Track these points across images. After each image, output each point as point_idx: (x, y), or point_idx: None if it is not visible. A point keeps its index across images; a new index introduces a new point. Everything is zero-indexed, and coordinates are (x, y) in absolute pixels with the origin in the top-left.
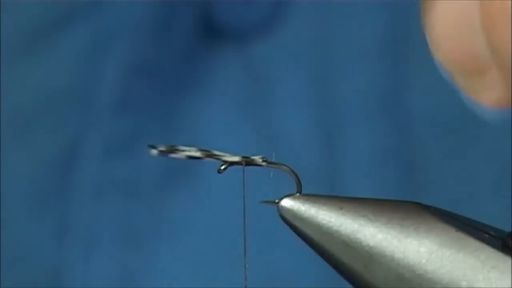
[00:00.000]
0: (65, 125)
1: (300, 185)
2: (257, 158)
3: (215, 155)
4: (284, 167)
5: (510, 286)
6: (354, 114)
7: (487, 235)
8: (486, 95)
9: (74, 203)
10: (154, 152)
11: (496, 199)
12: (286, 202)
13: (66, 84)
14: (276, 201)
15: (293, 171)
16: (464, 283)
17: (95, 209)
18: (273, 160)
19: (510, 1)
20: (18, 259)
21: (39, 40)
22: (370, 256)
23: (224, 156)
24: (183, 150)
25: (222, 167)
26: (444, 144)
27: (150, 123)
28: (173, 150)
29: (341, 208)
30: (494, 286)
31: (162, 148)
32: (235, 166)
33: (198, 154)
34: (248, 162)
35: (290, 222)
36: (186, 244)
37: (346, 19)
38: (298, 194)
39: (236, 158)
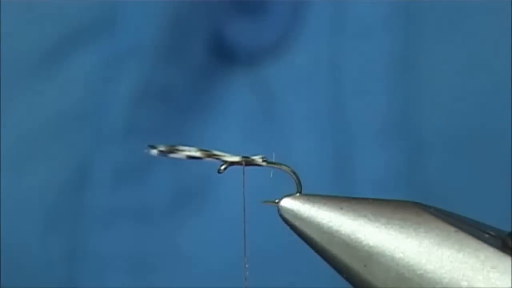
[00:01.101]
0: (75, 149)
1: (300, 185)
2: (257, 158)
3: (215, 155)
4: (284, 167)
5: (510, 286)
6: (366, 135)
7: (487, 235)
8: None
9: (85, 228)
10: (154, 152)
11: (496, 199)
12: (286, 202)
13: (76, 108)
14: (276, 201)
15: (293, 171)
16: (464, 283)
17: (105, 234)
18: (273, 160)
19: None
20: (28, 282)
21: (49, 62)
22: (370, 256)
23: (224, 156)
24: (183, 150)
25: (222, 167)
26: (455, 164)
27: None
28: (173, 150)
29: (341, 208)
30: (494, 286)
31: (162, 148)
32: (235, 166)
33: (198, 154)
34: (248, 162)
35: (290, 222)
36: (196, 267)
37: (357, 40)
38: (298, 194)
39: (236, 158)
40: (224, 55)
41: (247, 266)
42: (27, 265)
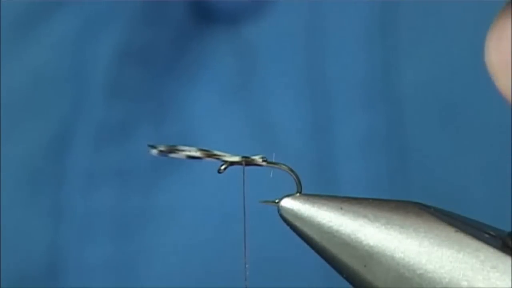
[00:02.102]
0: (56, 112)
1: (300, 185)
2: (257, 158)
3: (215, 155)
4: (284, 166)
5: (510, 286)
6: (345, 97)
7: (487, 235)
8: None
9: (67, 188)
10: (154, 151)
11: (495, 199)
12: (286, 202)
13: (57, 71)
14: (276, 201)
15: (292, 171)
16: (464, 283)
17: (88, 195)
18: (273, 160)
19: None
20: (11, 243)
21: (28, 26)
22: (370, 256)
23: (224, 156)
24: (183, 150)
25: (222, 167)
26: (435, 129)
27: (141, 108)
28: (173, 150)
29: (341, 208)
30: (494, 286)
31: (162, 148)
32: (235, 166)
33: (198, 154)
34: (248, 162)
35: (290, 222)
36: (179, 230)
37: (338, 3)
38: (298, 194)
39: (236, 158)
40: (204, 15)
41: (247, 266)
42: (10, 228)
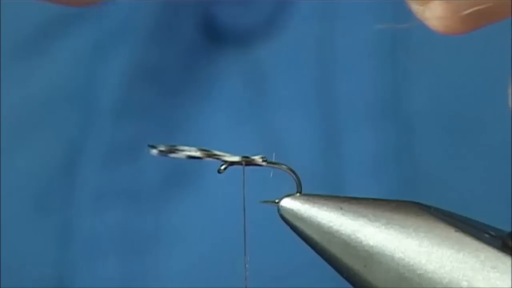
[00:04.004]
0: (66, 130)
1: (300, 185)
2: (257, 158)
3: (215, 155)
4: (284, 167)
5: (510, 286)
6: (355, 116)
7: (487, 235)
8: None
9: (76, 208)
10: (154, 151)
11: (495, 199)
12: (286, 202)
13: (68, 88)
14: (276, 201)
15: (293, 171)
16: (464, 283)
17: (97, 214)
18: (273, 160)
19: None
20: (20, 264)
21: (40, 43)
22: (370, 255)
23: (224, 156)
24: (183, 150)
25: (222, 167)
26: (444, 145)
27: (151, 127)
28: (173, 150)
29: (341, 208)
30: (494, 286)
31: (162, 148)
32: (235, 166)
33: (198, 154)
34: (248, 162)
35: (290, 222)
36: (188, 248)
37: (347, 22)
38: (298, 194)
39: (236, 158)
40: (214, 36)
41: (247, 266)
42: (19, 248)
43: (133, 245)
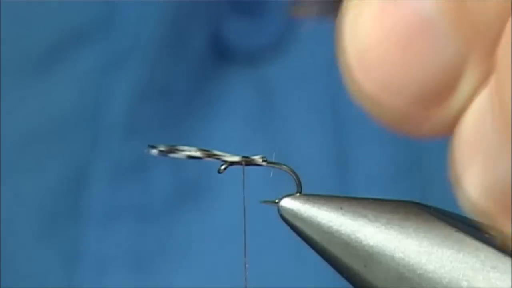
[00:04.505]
0: (74, 148)
1: (300, 185)
2: (257, 158)
3: (215, 155)
4: (284, 167)
5: (510, 286)
6: (365, 132)
7: (487, 235)
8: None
9: (84, 227)
10: (154, 151)
11: None
12: (286, 202)
13: (75, 107)
14: (276, 201)
15: (293, 171)
16: (464, 283)
17: (104, 234)
18: (273, 160)
19: None
20: (26, 284)
21: (48, 62)
22: (370, 256)
23: (224, 156)
24: (183, 150)
25: (222, 167)
26: None
27: (160, 145)
28: (173, 150)
29: (341, 208)
30: (494, 286)
31: (162, 148)
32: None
33: (198, 154)
34: (248, 162)
35: (290, 222)
36: (196, 266)
37: None
38: (298, 194)
39: (236, 158)
40: (223, 55)
41: (247, 266)
42: (25, 267)
43: (141, 263)
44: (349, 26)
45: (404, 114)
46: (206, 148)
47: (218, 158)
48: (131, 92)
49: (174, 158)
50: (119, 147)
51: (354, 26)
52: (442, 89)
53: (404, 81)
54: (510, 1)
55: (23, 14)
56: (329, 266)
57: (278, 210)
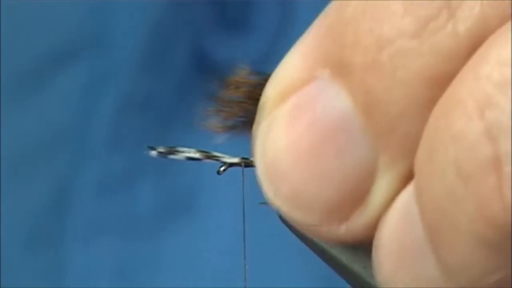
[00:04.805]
0: (59, 163)
1: None
2: None
3: (214, 156)
4: None
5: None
6: None
7: None
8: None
9: (69, 242)
10: (153, 153)
11: None
12: None
13: (59, 123)
14: None
15: None
16: None
17: (90, 249)
18: None
19: None
20: None
21: (33, 79)
22: (369, 257)
23: (223, 157)
24: (182, 152)
25: (222, 169)
26: None
27: (144, 160)
28: (172, 151)
29: None
30: None
31: (161, 150)
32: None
33: (197, 155)
34: (247, 163)
35: (289, 224)
36: (185, 280)
37: None
38: None
39: (235, 160)
40: (208, 70)
41: (247, 267)
42: (11, 282)
43: (128, 279)
44: (260, 139)
45: (316, 226)
46: (205, 150)
47: (217, 160)
48: (115, 108)
49: (173, 159)
50: (104, 161)
51: (264, 138)
52: (355, 195)
53: (314, 195)
54: (425, 95)
55: (7, 33)
56: (328, 268)
57: (278, 211)
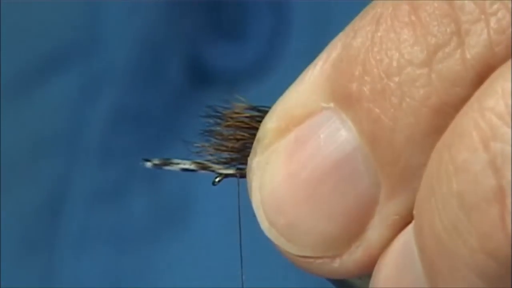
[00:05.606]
0: (51, 173)
1: None
2: None
3: (210, 167)
4: None
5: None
6: None
7: None
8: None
9: (61, 252)
10: (148, 165)
11: None
12: None
13: (52, 131)
14: None
15: None
16: None
17: (82, 258)
18: None
19: None
20: None
21: (23, 86)
22: None
23: (218, 168)
24: (178, 163)
25: (217, 180)
26: None
27: (137, 170)
28: (167, 163)
29: None
30: None
31: (156, 162)
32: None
33: (192, 166)
34: (242, 174)
35: None
36: None
37: None
38: None
39: (230, 171)
40: (202, 79)
41: (244, 277)
42: None
43: None
44: (257, 171)
45: (309, 259)
46: (200, 161)
47: (212, 171)
48: (108, 116)
49: (168, 170)
50: (97, 170)
51: (263, 171)
52: (353, 229)
53: (310, 228)
54: (430, 123)
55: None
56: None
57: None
